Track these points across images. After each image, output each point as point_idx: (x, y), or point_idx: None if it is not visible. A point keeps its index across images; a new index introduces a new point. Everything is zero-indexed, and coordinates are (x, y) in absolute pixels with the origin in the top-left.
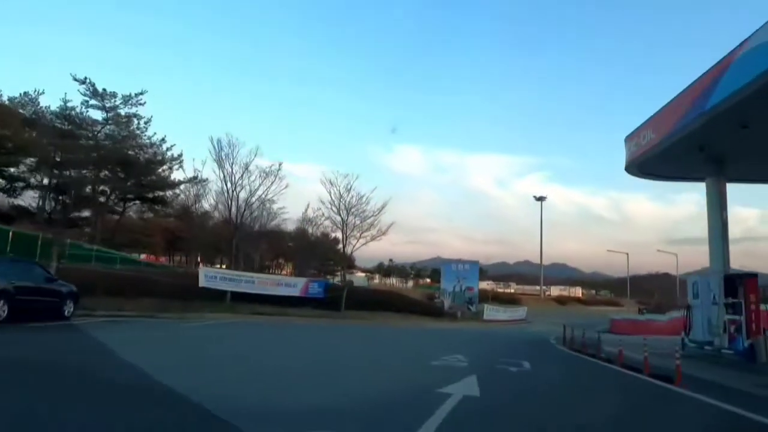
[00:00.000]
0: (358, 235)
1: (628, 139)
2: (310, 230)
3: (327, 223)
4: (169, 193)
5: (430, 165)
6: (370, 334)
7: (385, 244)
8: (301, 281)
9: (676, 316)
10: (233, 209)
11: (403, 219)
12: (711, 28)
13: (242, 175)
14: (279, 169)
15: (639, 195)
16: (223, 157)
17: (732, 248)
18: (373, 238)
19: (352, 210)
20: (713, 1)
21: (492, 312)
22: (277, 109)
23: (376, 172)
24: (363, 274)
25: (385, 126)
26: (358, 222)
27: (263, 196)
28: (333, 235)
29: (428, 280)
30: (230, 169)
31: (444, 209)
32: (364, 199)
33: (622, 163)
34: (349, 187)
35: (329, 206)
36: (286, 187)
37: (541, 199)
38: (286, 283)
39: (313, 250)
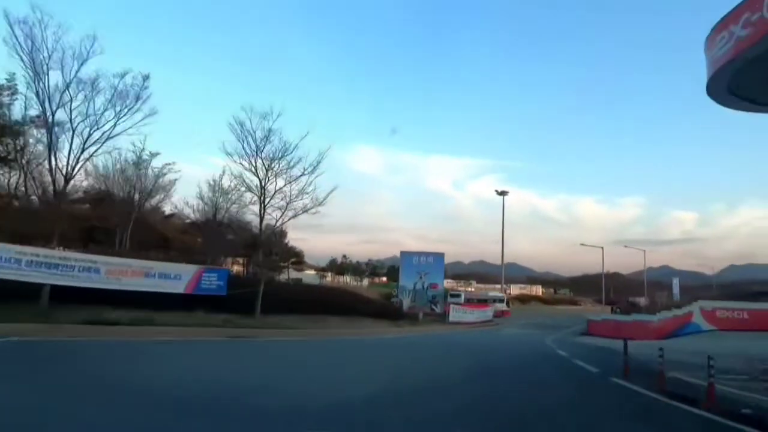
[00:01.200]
0: (284, 204)
1: (715, 33)
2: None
3: (248, 195)
4: None
5: (388, 165)
6: (270, 362)
7: (340, 244)
8: (189, 270)
9: (667, 317)
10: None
11: (361, 218)
12: (662, 30)
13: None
14: (144, 87)
15: (587, 198)
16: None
17: (671, 248)
18: (305, 210)
19: (274, 167)
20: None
21: (459, 313)
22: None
23: (335, 172)
24: (314, 272)
25: (345, 125)
26: (282, 184)
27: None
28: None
29: (384, 279)
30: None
31: (401, 209)
32: (290, 149)
33: (578, 166)
34: (267, 132)
35: (240, 162)
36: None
37: (503, 193)
38: (161, 272)
39: (223, 236)
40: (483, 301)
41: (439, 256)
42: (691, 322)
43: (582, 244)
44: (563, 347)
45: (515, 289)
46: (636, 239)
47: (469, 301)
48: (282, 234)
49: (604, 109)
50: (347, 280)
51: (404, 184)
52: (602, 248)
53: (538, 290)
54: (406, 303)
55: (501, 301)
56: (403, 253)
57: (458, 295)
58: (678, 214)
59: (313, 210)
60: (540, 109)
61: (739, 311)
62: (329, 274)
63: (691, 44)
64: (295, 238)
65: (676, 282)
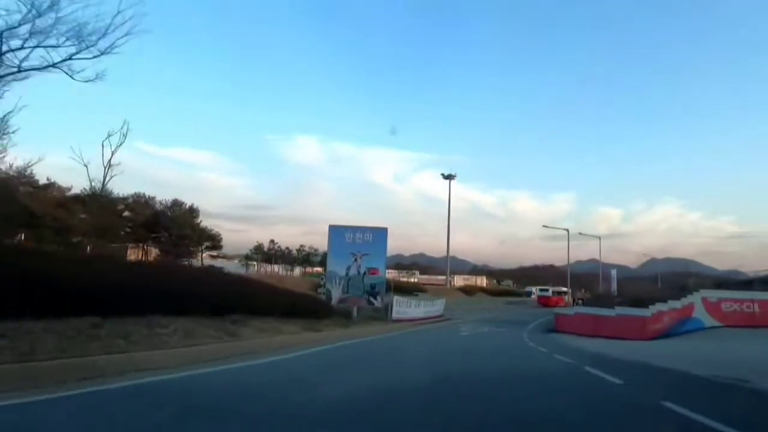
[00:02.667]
0: None
1: None
2: None
3: None
4: None
5: (328, 156)
6: None
7: (281, 236)
8: None
9: (662, 311)
10: None
11: (301, 210)
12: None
13: None
14: None
15: (522, 193)
16: None
17: (596, 244)
18: None
19: None
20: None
21: (402, 308)
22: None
23: (274, 163)
24: (237, 261)
25: (285, 112)
26: None
27: None
28: None
29: (320, 269)
30: None
31: (341, 201)
32: None
33: (515, 163)
34: None
35: None
36: None
37: (449, 177)
38: None
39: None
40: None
41: (380, 232)
42: (691, 317)
43: (545, 226)
44: (564, 352)
45: (459, 280)
46: (565, 234)
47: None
48: (193, 212)
49: (542, 109)
50: (277, 269)
51: (345, 176)
52: (567, 230)
53: (482, 281)
54: (336, 294)
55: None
56: (332, 227)
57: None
58: (605, 210)
59: None
60: (481, 106)
61: (749, 303)
62: (254, 263)
63: (621, 47)
64: (227, 228)
65: (614, 273)
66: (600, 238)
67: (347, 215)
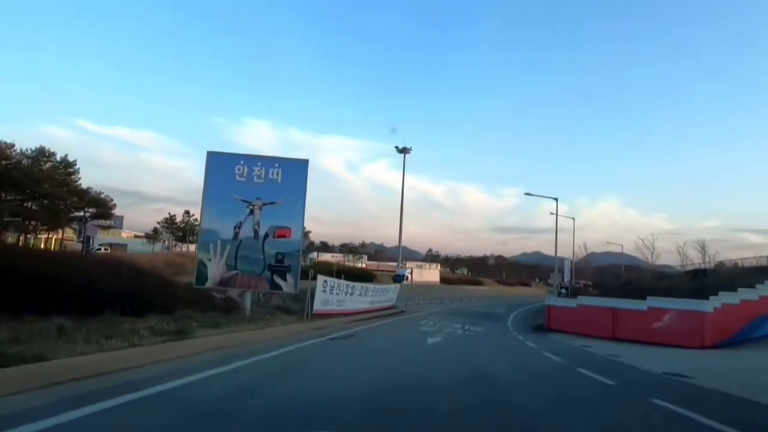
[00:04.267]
0: None
1: None
2: None
3: None
4: None
5: (281, 142)
6: None
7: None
8: None
9: (728, 302)
10: None
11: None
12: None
13: None
14: None
15: (472, 186)
16: None
17: (541, 237)
18: None
19: None
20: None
21: (333, 295)
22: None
23: (224, 146)
24: (145, 238)
25: (232, 94)
26: None
27: None
28: None
29: None
30: None
31: None
32: None
33: (465, 156)
34: None
35: None
36: None
37: (404, 150)
38: None
39: None
40: None
41: (295, 165)
42: None
43: (527, 194)
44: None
45: (412, 267)
46: (512, 227)
47: None
48: (67, 167)
49: (490, 103)
50: (191, 248)
51: None
52: (555, 198)
53: (434, 272)
54: (215, 270)
55: None
56: (212, 155)
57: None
58: (550, 204)
59: None
60: (431, 98)
61: None
62: (165, 240)
63: (569, 46)
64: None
65: (567, 263)
66: (574, 219)
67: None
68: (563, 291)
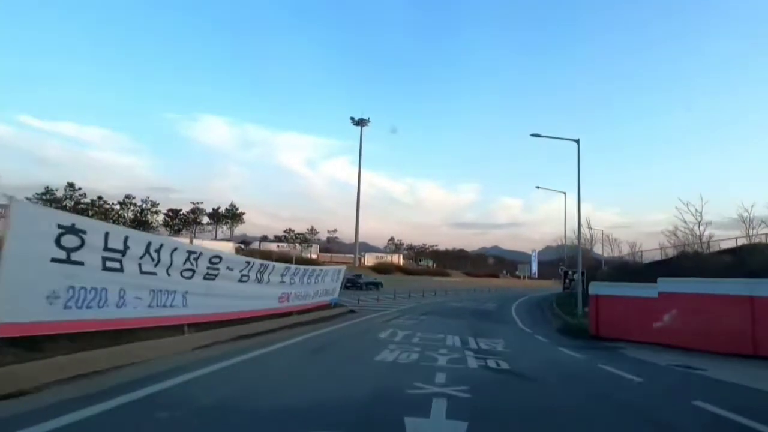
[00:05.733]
0: None
1: None
2: None
3: None
4: None
5: (237, 139)
6: None
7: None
8: None
9: None
10: None
11: (207, 193)
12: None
13: None
14: None
15: (430, 183)
16: None
17: (499, 232)
18: None
19: None
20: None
21: (214, 285)
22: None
23: (178, 143)
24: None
25: (185, 89)
26: None
27: None
28: None
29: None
30: None
31: (251, 185)
32: None
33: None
34: None
35: None
36: None
37: (360, 122)
38: None
39: None
40: None
41: None
42: None
43: (538, 187)
44: None
45: (371, 259)
46: (471, 222)
47: None
48: None
49: (447, 100)
50: None
51: (256, 160)
52: (564, 193)
53: (398, 260)
54: None
55: None
56: None
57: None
58: (506, 200)
59: None
60: (390, 94)
61: None
62: None
63: (522, 47)
64: None
65: (534, 255)
66: (564, 192)
67: (257, 200)
68: (573, 279)
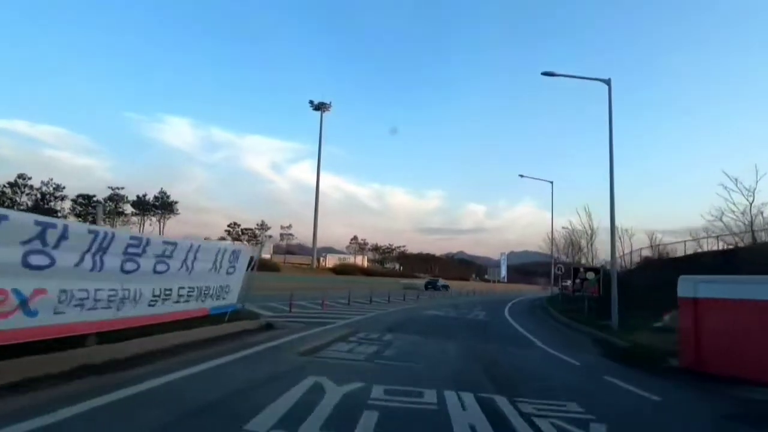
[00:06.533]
0: None
1: None
2: None
3: None
4: None
5: (202, 141)
6: None
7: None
8: None
9: None
10: None
11: (172, 197)
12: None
13: None
14: None
15: (398, 188)
16: None
17: (464, 237)
18: None
19: None
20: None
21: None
22: None
23: (140, 144)
24: None
25: (148, 88)
26: None
27: None
28: None
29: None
30: None
31: (215, 188)
32: None
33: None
34: None
35: None
36: None
37: (321, 106)
38: None
39: None
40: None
41: None
42: None
43: (521, 176)
44: None
45: (332, 260)
46: (437, 227)
47: None
48: None
49: (417, 107)
50: None
51: (221, 163)
52: (551, 182)
53: (363, 261)
54: None
55: None
56: None
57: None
58: (472, 206)
59: None
60: (355, 98)
61: None
62: None
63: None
64: None
65: (504, 258)
66: (552, 182)
67: (221, 203)
68: (586, 279)
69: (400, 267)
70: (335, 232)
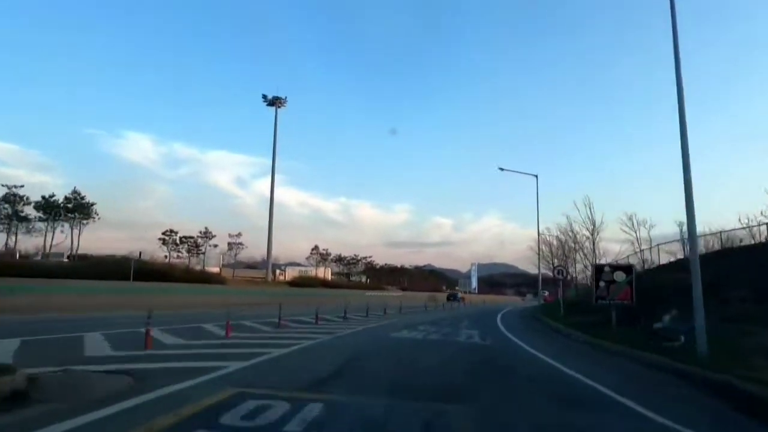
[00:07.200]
0: None
1: None
2: None
3: None
4: None
5: (165, 157)
6: None
7: (109, 241)
8: None
9: None
10: None
11: (128, 213)
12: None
13: None
14: None
15: (364, 202)
16: None
17: (432, 251)
18: None
19: None
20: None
21: None
22: None
23: (98, 160)
24: None
25: (111, 105)
26: None
27: None
28: None
29: None
30: None
31: (179, 204)
32: None
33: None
34: None
35: None
36: None
37: (275, 101)
38: None
39: None
40: None
41: None
42: None
43: (500, 168)
44: None
45: (293, 273)
46: (405, 241)
47: None
48: None
49: (380, 121)
50: None
51: (184, 179)
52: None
53: (326, 273)
54: None
55: None
56: None
57: None
58: (438, 220)
59: None
60: (321, 113)
61: None
62: None
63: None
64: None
65: (474, 268)
66: (536, 175)
67: (185, 219)
68: (613, 281)
69: (367, 279)
70: (301, 247)
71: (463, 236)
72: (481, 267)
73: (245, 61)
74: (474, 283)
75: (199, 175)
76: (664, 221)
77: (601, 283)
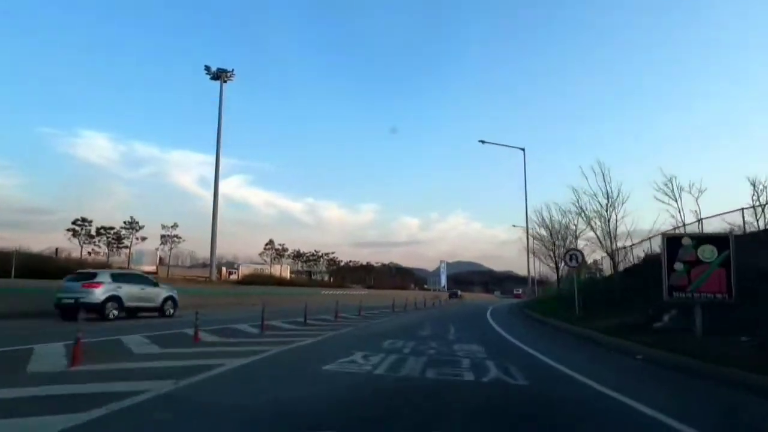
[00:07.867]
0: None
1: None
2: None
3: None
4: None
5: (124, 157)
6: None
7: (60, 241)
8: None
9: None
10: None
11: (87, 214)
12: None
13: None
14: None
15: (331, 203)
16: None
17: (398, 250)
18: None
19: None
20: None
21: None
22: None
23: (55, 161)
24: None
25: (64, 102)
26: None
27: None
28: None
29: None
30: None
31: (140, 204)
32: None
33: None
34: None
35: None
36: None
37: (220, 74)
38: None
39: None
40: None
41: None
42: None
43: (481, 141)
44: None
45: (246, 269)
46: (372, 241)
47: None
48: None
49: (346, 121)
50: None
51: (146, 178)
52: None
53: (283, 271)
54: None
55: None
56: None
57: None
58: (405, 219)
59: None
60: (289, 113)
61: None
62: None
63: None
64: None
65: (443, 266)
66: (524, 149)
67: (147, 220)
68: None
69: (330, 278)
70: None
71: (429, 235)
72: (448, 266)
73: (208, 57)
74: (443, 281)
75: (161, 176)
76: (712, 188)
77: (678, 265)
